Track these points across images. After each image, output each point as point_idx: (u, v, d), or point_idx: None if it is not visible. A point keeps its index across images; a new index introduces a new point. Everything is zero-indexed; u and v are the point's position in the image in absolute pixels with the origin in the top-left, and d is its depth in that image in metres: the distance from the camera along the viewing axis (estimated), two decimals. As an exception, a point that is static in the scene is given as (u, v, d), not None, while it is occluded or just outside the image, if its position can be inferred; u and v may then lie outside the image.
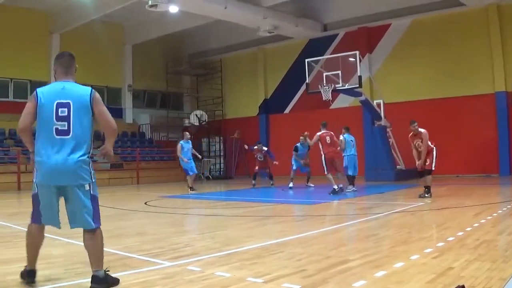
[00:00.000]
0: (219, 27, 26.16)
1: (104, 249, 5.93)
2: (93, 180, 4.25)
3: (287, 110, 27.57)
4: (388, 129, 20.80)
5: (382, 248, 5.69)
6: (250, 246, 6.02)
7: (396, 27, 23.49)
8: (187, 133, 17.96)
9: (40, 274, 4.63)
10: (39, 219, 4.27)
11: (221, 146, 30.43)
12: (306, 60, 20.12)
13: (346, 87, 18.64)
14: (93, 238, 4.20)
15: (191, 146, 17.13)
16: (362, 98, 19.58)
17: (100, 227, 4.25)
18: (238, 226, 8.33)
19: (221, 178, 28.78)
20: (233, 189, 19.17)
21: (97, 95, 4.23)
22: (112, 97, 28.23)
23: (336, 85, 18.45)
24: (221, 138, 30.36)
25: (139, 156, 25.28)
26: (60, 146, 4.05)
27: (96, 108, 4.20)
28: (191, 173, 17.11)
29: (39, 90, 4.22)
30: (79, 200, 4.12)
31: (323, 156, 13.54)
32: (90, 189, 4.19)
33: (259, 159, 19.12)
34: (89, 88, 4.22)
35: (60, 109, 4.07)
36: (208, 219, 9.77)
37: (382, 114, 20.62)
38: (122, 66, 28.53)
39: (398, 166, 20.53)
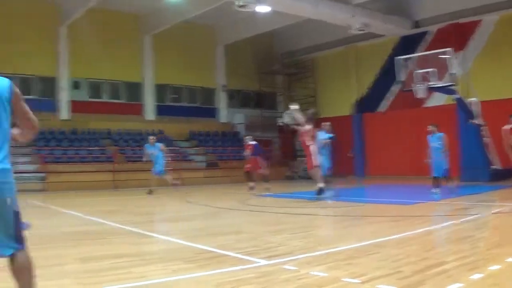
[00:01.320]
0: (309, 26, 26.07)
1: (201, 246, 6.26)
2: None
3: (380, 109, 27.12)
4: (482, 128, 20.00)
5: (478, 250, 5.58)
6: (345, 247, 6.02)
7: (487, 23, 22.49)
8: (150, 137, 17.69)
9: (135, 270, 4.87)
10: None
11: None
12: (396, 58, 19.78)
13: (440, 85, 18.19)
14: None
15: (155, 150, 16.75)
16: (456, 96, 18.99)
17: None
18: (331, 225, 8.41)
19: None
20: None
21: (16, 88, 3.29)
22: (206, 97, 29.07)
23: (430, 83, 18.05)
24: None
25: (231, 156, 25.85)
26: None
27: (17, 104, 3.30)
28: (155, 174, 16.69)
29: None
30: None
31: None
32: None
33: (248, 156, 17.72)
34: (7, 80, 3.27)
35: None
36: (301, 218, 9.83)
37: (477, 113, 19.85)
38: (215, 67, 29.14)
39: (493, 166, 19.68)
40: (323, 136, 13.36)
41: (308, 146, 12.82)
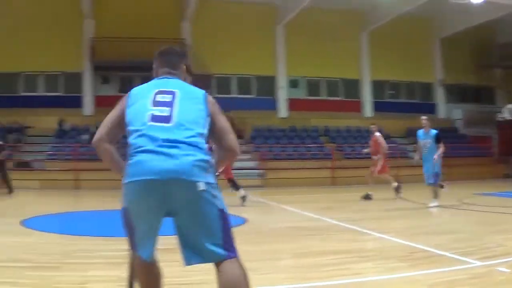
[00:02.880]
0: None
1: (416, 245, 6.26)
2: None
3: None
4: None
5: None
6: None
7: None
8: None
9: (351, 267, 5.01)
10: None
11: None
12: None
13: None
14: None
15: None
16: None
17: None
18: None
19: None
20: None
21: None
22: (423, 93, 28.37)
23: None
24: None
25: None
26: None
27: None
28: None
29: None
30: None
31: None
32: None
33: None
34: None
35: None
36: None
37: None
38: (431, 61, 28.19)
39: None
40: None
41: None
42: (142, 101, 2.89)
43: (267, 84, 25.82)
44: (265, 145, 23.23)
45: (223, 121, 3.00)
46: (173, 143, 2.70)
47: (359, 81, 26.82)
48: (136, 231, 2.79)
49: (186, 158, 2.67)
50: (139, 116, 2.82)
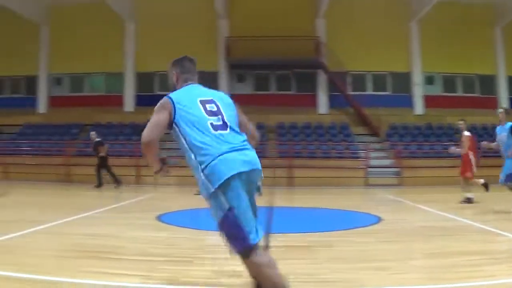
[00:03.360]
0: None
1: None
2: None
3: None
4: None
5: None
6: None
7: None
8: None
9: (485, 269, 5.00)
10: None
11: None
12: None
13: None
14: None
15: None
16: None
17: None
18: None
19: None
20: None
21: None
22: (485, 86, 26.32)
23: None
24: None
25: None
26: None
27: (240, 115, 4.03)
28: None
29: None
30: None
31: None
32: None
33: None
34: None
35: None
36: None
37: None
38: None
39: None
40: None
41: None
42: (194, 110, 3.61)
43: (402, 81, 25.46)
44: (401, 143, 22.99)
45: (244, 117, 3.89)
46: (240, 143, 3.53)
47: (495, 76, 25.44)
48: (244, 220, 3.36)
49: (254, 153, 3.58)
50: (201, 124, 3.54)
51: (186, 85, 3.89)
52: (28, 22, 25.53)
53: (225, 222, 3.36)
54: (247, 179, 3.44)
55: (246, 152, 3.51)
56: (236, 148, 3.46)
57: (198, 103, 3.64)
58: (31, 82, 27.33)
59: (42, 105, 27.03)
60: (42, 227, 7.81)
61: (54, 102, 27.18)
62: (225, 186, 3.35)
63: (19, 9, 24.05)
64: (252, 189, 3.55)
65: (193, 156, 3.48)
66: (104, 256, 5.71)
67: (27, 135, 24.66)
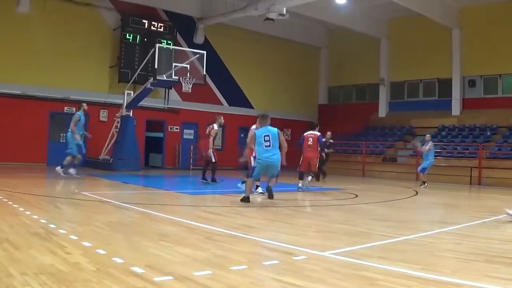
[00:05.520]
0: None
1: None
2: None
3: None
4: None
5: None
6: None
7: None
8: (84, 104, 16.23)
9: None
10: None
11: None
12: None
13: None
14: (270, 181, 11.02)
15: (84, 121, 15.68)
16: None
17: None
18: None
19: None
20: None
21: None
22: None
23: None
24: None
25: None
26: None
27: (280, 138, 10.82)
28: (76, 153, 15.25)
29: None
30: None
31: None
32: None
33: None
34: (276, 129, 10.86)
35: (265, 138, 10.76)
36: None
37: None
38: None
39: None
40: None
41: None
42: (260, 139, 10.68)
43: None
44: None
45: (282, 139, 10.79)
46: (272, 152, 10.65)
47: None
48: (258, 172, 10.92)
49: (277, 157, 10.66)
50: (261, 143, 10.66)
51: (262, 128, 11.10)
52: (439, 26, 26.20)
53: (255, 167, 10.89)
54: (266, 166, 10.69)
55: (272, 156, 10.60)
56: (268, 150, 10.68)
57: (263, 135, 10.69)
58: (444, 85, 27.97)
59: (455, 108, 27.30)
60: (449, 228, 7.93)
61: (467, 104, 27.10)
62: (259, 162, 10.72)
63: (431, 14, 24.96)
64: (269, 172, 10.85)
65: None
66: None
67: (441, 137, 25.33)
